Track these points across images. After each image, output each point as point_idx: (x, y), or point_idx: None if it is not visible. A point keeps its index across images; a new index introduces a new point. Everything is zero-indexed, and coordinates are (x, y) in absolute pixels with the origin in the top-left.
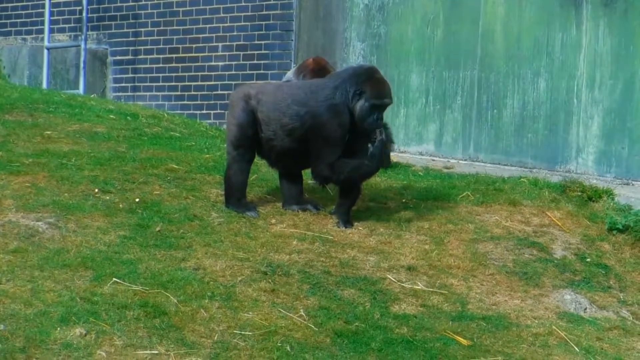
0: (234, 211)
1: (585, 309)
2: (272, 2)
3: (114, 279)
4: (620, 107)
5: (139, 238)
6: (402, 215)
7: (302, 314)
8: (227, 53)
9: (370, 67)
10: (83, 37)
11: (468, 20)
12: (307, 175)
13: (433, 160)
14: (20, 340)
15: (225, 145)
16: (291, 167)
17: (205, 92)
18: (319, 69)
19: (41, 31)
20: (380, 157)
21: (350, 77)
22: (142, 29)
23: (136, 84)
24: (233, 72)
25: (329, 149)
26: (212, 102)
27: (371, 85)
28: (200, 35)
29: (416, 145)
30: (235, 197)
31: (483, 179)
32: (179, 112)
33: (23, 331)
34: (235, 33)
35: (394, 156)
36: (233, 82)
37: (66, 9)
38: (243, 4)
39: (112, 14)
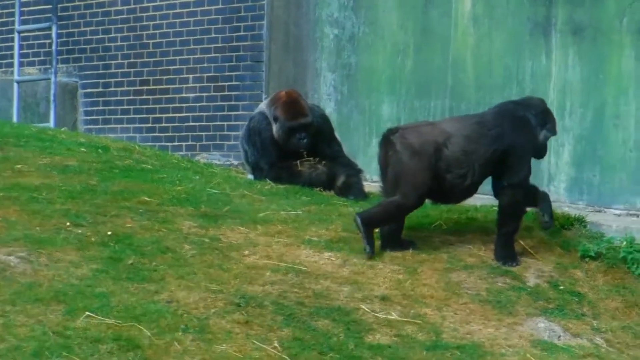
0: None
1: (559, 336)
2: (242, 33)
3: (87, 312)
4: (591, 135)
5: (112, 271)
6: (375, 245)
7: (276, 345)
8: (198, 85)
9: (544, 101)
10: (53, 70)
11: (438, 50)
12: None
13: None
14: None
15: (401, 189)
16: (465, 199)
17: (177, 124)
18: (291, 101)
19: (10, 65)
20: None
21: (534, 106)
22: (112, 62)
23: (107, 116)
24: (204, 103)
25: (525, 162)
26: (184, 133)
27: (552, 118)
28: (171, 67)
29: None
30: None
31: (456, 208)
32: (150, 144)
33: None
34: (205, 64)
35: (367, 186)
36: (204, 114)
37: (35, 42)
38: (213, 35)
39: (82, 46)
